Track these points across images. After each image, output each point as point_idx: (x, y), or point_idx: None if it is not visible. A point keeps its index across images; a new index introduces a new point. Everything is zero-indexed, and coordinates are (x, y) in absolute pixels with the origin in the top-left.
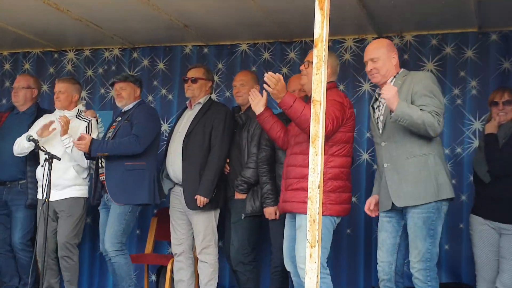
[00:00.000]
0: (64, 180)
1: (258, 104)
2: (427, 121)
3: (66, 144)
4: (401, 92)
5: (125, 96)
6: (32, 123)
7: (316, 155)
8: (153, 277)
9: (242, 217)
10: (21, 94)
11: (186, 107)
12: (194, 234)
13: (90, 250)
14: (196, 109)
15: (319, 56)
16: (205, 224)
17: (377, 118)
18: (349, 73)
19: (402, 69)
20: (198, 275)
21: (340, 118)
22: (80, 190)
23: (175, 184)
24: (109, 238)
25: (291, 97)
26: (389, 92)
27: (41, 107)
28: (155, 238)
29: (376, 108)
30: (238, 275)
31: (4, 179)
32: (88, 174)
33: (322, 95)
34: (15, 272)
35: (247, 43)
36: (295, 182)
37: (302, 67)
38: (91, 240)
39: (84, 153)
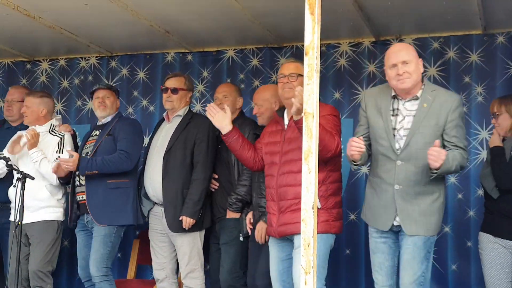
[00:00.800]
0: (37, 201)
1: (223, 120)
2: (461, 165)
3: (34, 158)
4: (433, 110)
5: (108, 105)
6: None
7: (310, 172)
8: None
9: (241, 239)
10: (15, 108)
11: (163, 119)
12: (178, 257)
13: (68, 276)
14: (175, 122)
15: (311, 64)
16: (190, 246)
17: (395, 129)
18: (345, 80)
19: (426, 80)
20: None
21: (340, 135)
22: (53, 213)
23: (154, 203)
24: (95, 263)
25: None
26: (439, 160)
27: None
28: (138, 262)
29: (394, 115)
30: None
31: None
32: (63, 195)
33: (315, 107)
34: None
35: (234, 49)
36: (295, 202)
37: (285, 80)
38: (69, 265)
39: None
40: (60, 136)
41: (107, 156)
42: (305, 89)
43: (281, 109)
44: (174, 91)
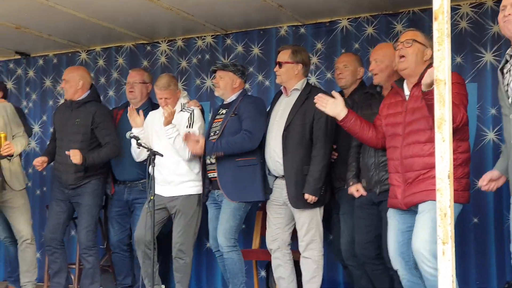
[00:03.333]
0: (177, 176)
1: (336, 107)
2: None
3: (170, 134)
4: None
5: (221, 86)
6: None
7: (444, 141)
8: (262, 273)
9: None
10: (137, 90)
11: (281, 93)
12: (297, 228)
13: (197, 247)
14: (293, 96)
15: (441, 29)
16: (309, 218)
17: (507, 85)
18: (467, 43)
19: None
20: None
21: (467, 104)
22: (194, 187)
23: (276, 177)
24: (224, 234)
25: None
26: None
27: (154, 102)
28: (261, 232)
29: (506, 73)
30: (350, 270)
31: (124, 179)
32: (200, 170)
33: (446, 73)
34: (129, 272)
35: (348, 19)
36: (423, 173)
37: (400, 46)
38: (198, 236)
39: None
40: (190, 111)
41: (231, 138)
42: (436, 55)
43: (400, 79)
44: (279, 65)
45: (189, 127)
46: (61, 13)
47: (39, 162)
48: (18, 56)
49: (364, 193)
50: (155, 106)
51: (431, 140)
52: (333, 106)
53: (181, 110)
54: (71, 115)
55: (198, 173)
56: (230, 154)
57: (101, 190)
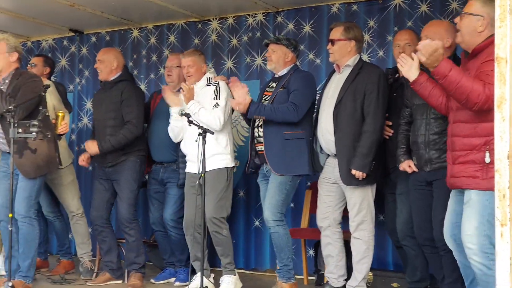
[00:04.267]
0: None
1: (410, 69)
2: None
3: (193, 110)
4: None
5: (273, 59)
6: None
7: (503, 120)
8: (311, 252)
9: None
10: (175, 73)
11: (334, 71)
12: (348, 208)
13: (245, 225)
14: (345, 72)
15: (503, 6)
16: (360, 198)
17: None
18: None
19: None
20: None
21: None
22: (222, 160)
23: (328, 155)
24: (270, 208)
25: (447, 65)
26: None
27: None
28: (310, 211)
29: None
30: (405, 250)
31: (161, 160)
32: (227, 142)
33: (508, 51)
34: (173, 250)
35: None
36: (462, 154)
37: (456, 20)
38: (245, 212)
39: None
40: (215, 84)
41: (276, 105)
42: (497, 32)
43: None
44: (332, 42)
45: (216, 99)
46: None
47: (84, 160)
48: (71, 34)
49: (415, 169)
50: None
51: (470, 120)
52: (408, 68)
53: (207, 85)
54: (105, 95)
55: (226, 146)
56: (270, 120)
57: (139, 167)
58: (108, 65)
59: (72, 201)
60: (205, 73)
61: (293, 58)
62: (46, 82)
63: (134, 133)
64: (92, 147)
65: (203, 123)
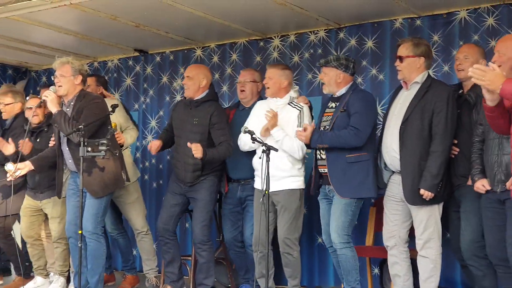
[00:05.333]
0: (280, 171)
1: (496, 78)
2: None
3: (277, 137)
4: None
5: (326, 82)
6: None
7: None
8: (376, 271)
9: None
10: (248, 89)
11: (401, 87)
12: (414, 225)
13: (308, 242)
14: (413, 89)
15: None
16: (427, 215)
17: None
18: None
19: None
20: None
21: None
22: (296, 182)
23: (393, 172)
24: (336, 230)
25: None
26: None
27: None
28: (375, 229)
29: None
30: (471, 270)
31: (238, 177)
32: (302, 164)
33: None
34: (249, 266)
35: (466, 9)
36: None
37: None
38: (308, 230)
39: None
40: (300, 109)
41: (338, 132)
42: None
43: None
44: (400, 59)
45: (299, 126)
46: (179, 10)
47: (156, 145)
48: (136, 54)
49: (488, 188)
50: None
51: None
52: (493, 77)
53: (289, 103)
54: (190, 114)
55: (300, 168)
56: (334, 147)
57: (216, 187)
58: (197, 83)
59: (137, 219)
60: (286, 91)
61: (346, 77)
62: (114, 101)
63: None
64: (199, 149)
65: (285, 150)
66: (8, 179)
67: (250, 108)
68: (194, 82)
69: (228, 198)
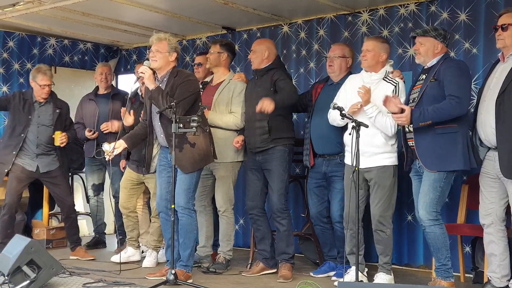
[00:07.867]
0: (373, 147)
1: None
2: None
3: (369, 114)
4: None
5: (422, 52)
6: None
7: None
8: (467, 249)
9: None
10: (336, 64)
11: (498, 60)
12: (510, 202)
13: (398, 220)
14: (510, 62)
15: None
16: None
17: None
18: None
19: None
20: None
21: None
22: (389, 158)
23: (489, 148)
24: (424, 207)
25: None
26: None
27: None
28: (467, 206)
29: None
30: None
31: (323, 152)
32: (395, 140)
33: None
34: (333, 244)
35: None
36: None
37: None
38: (398, 207)
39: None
40: (395, 84)
41: (438, 104)
42: None
43: None
44: (504, 28)
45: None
46: None
47: (239, 142)
48: (224, 31)
49: None
50: None
51: None
52: None
53: (384, 78)
54: (256, 84)
55: (394, 144)
56: (438, 122)
57: (288, 156)
58: (260, 55)
59: (217, 197)
60: (383, 65)
61: (443, 48)
62: (208, 79)
63: (295, 98)
64: (265, 103)
65: (377, 127)
66: (106, 159)
67: (339, 83)
68: (257, 56)
69: (313, 173)
